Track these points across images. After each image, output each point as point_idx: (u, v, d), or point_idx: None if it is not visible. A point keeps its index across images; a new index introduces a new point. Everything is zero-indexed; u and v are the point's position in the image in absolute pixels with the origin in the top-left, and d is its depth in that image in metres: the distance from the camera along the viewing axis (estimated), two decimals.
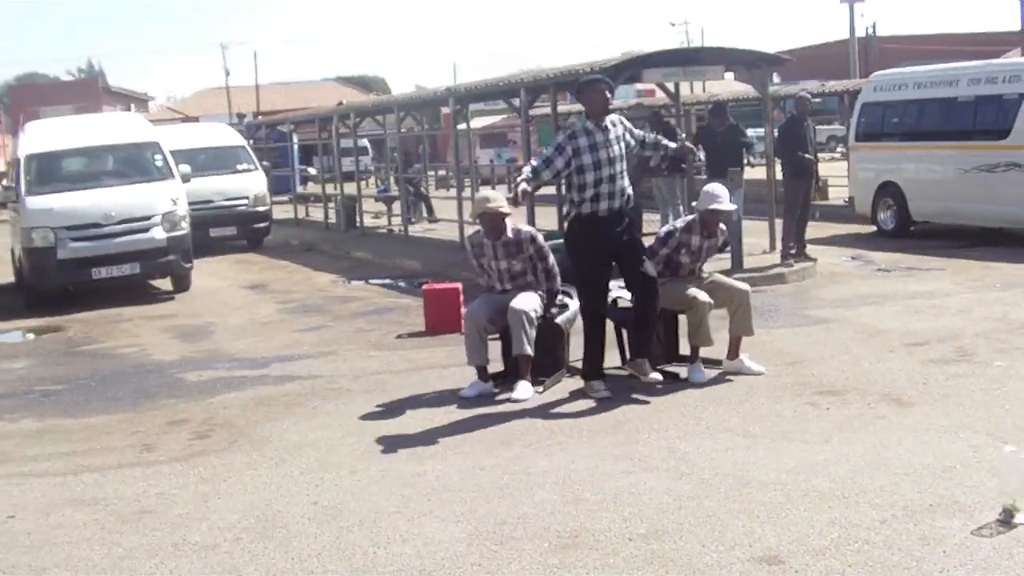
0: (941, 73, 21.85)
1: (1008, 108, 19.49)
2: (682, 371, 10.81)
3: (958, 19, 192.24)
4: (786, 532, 6.63)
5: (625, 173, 10.25)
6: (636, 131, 10.56)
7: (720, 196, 11.00)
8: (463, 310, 13.39)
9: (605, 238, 10.16)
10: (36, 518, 7.92)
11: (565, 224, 10.59)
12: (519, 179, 10.09)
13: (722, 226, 11.22)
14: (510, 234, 10.90)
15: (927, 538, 6.39)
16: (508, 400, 10.28)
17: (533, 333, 10.51)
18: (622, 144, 10.23)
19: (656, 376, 10.30)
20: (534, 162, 10.28)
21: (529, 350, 10.46)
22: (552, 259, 11.06)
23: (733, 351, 10.95)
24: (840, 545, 6.37)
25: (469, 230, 23.24)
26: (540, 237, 11.10)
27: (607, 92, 10.28)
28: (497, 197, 11.11)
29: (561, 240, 10.87)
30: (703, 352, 10.84)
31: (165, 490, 8.35)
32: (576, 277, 10.58)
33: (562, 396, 10.45)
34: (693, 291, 10.77)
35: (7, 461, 9.55)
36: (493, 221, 10.87)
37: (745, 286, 11.34)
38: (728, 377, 10.68)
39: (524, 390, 10.36)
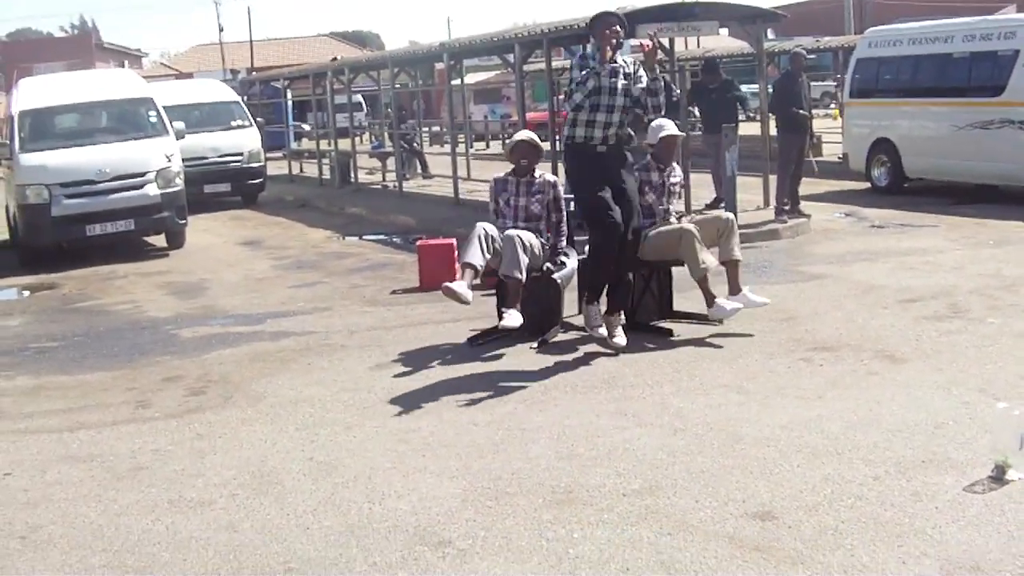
0: (936, 29, 21.79)
1: (1003, 64, 19.45)
2: (675, 326, 10.88)
3: None
4: (779, 488, 6.67)
5: (623, 109, 10.12)
6: (640, 83, 10.24)
7: (664, 125, 11.20)
8: (457, 266, 13.40)
9: (602, 169, 10.13)
10: (32, 475, 7.95)
11: (563, 154, 10.60)
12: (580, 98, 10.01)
13: (678, 169, 11.35)
14: (536, 175, 11.15)
15: (919, 494, 6.43)
16: (498, 329, 10.43)
17: (526, 260, 10.39)
18: (628, 83, 10.12)
19: (620, 342, 10.20)
20: (572, 87, 10.14)
21: (519, 274, 10.27)
22: (565, 214, 11.17)
23: (733, 285, 10.95)
24: (833, 501, 6.41)
25: (463, 186, 23.32)
26: (561, 187, 11.31)
27: (620, 26, 10.15)
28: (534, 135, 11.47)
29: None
30: (696, 308, 10.87)
31: (161, 446, 8.38)
32: (582, 208, 10.60)
33: (557, 352, 10.48)
34: (676, 224, 10.86)
35: (3, 418, 9.57)
36: (528, 151, 11.15)
37: (727, 214, 11.44)
38: (721, 333, 10.69)
39: (514, 317, 10.13)
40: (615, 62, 10.10)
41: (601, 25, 10.19)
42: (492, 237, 10.53)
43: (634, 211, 10.31)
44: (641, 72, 10.24)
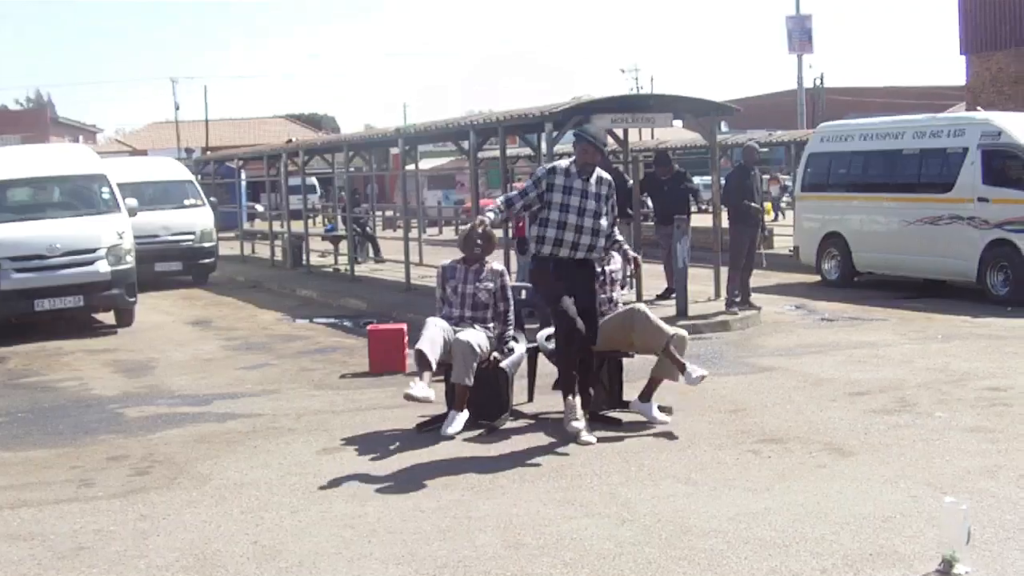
0: (887, 126, 22.12)
1: (952, 162, 19.76)
2: (624, 416, 10.86)
3: (905, 73, 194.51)
4: None
5: (597, 232, 10.15)
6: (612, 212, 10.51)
7: None
8: (407, 351, 13.41)
9: (566, 276, 10.13)
10: None
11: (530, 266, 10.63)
12: (486, 211, 10.10)
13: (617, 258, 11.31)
14: (484, 263, 11.24)
15: None
16: (439, 434, 10.33)
17: (475, 367, 10.51)
18: (602, 203, 10.17)
19: (591, 439, 10.09)
20: (511, 194, 10.27)
21: (469, 380, 10.43)
22: (511, 304, 11.22)
23: (678, 364, 10.80)
24: None
25: (415, 271, 23.32)
26: (508, 278, 11.37)
27: (596, 155, 10.26)
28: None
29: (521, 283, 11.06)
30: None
31: (103, 526, 8.27)
32: (549, 309, 10.60)
33: (505, 439, 10.43)
34: (622, 308, 10.90)
35: None
36: (483, 240, 11.13)
37: (638, 305, 11.29)
38: (671, 425, 10.65)
39: (457, 423, 10.36)
40: (588, 180, 10.12)
41: (583, 152, 10.23)
42: (444, 332, 10.63)
43: (591, 327, 10.29)
44: (613, 195, 10.47)
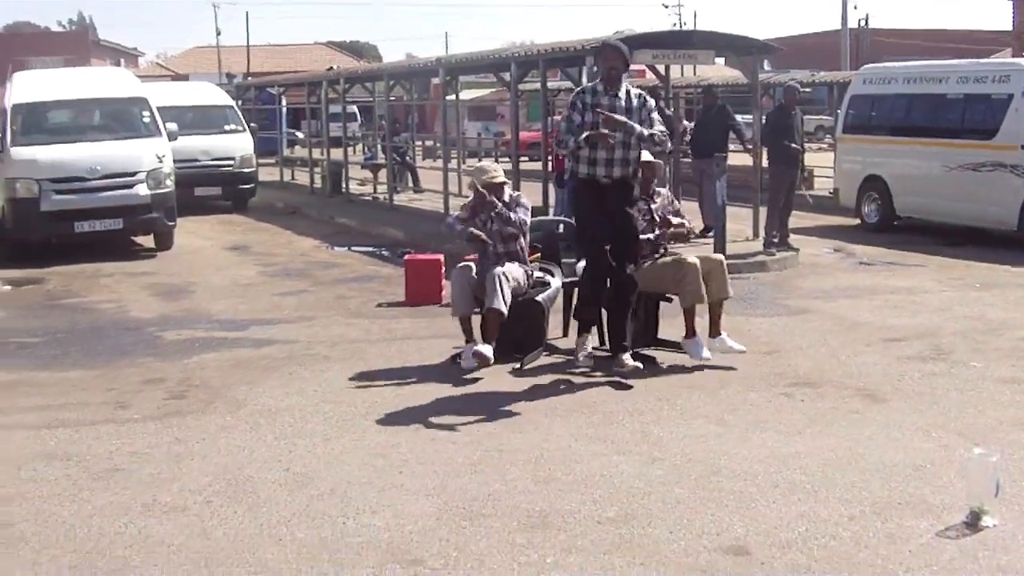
0: (931, 70, 21.89)
1: (996, 108, 19.52)
2: (658, 355, 10.89)
3: (950, 16, 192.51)
4: (754, 523, 6.66)
5: (627, 145, 9.98)
6: (655, 124, 10.16)
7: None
8: (444, 282, 13.44)
9: (602, 202, 10.06)
10: (8, 471, 7.91)
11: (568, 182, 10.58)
12: (573, 144, 10.01)
13: (664, 192, 11.39)
14: (506, 198, 11.09)
15: (894, 536, 6.43)
16: (466, 363, 10.37)
17: (508, 295, 10.46)
18: (633, 115, 9.97)
19: (636, 364, 10.18)
20: (563, 127, 10.19)
21: (500, 305, 10.34)
22: (521, 217, 11.09)
23: (715, 326, 10.92)
24: (807, 539, 6.40)
25: (453, 201, 23.30)
26: (521, 208, 11.13)
27: (618, 58, 10.13)
28: (494, 168, 11.47)
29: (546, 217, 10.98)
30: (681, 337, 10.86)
31: (138, 449, 8.36)
32: (577, 235, 10.64)
33: (539, 374, 10.46)
34: (676, 257, 10.83)
35: None
36: (492, 192, 11.00)
37: (717, 255, 11.37)
38: (704, 364, 10.64)
39: (484, 351, 10.18)
40: (617, 96, 10.05)
41: (603, 59, 10.22)
42: (470, 279, 10.74)
43: (629, 250, 10.25)
44: (653, 110, 10.25)
